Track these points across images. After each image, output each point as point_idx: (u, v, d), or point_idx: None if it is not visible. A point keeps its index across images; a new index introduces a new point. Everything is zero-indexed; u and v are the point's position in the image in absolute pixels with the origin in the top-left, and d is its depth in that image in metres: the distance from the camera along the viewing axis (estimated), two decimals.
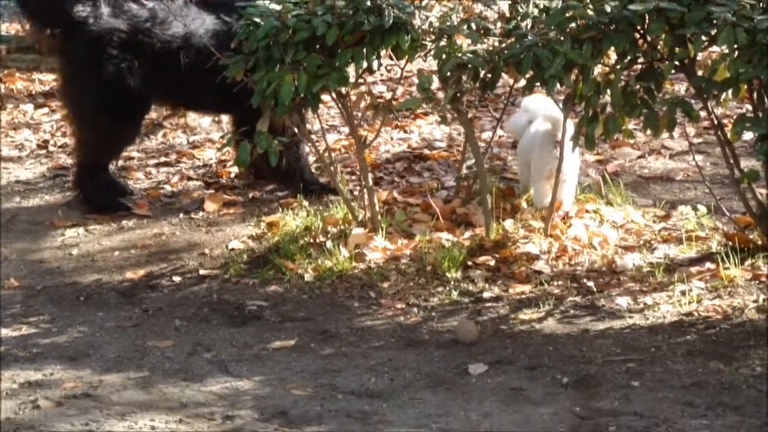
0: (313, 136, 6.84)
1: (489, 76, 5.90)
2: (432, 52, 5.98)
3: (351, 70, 6.12)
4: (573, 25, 5.64)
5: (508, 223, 6.27)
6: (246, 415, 4.85)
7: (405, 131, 7.91)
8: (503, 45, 5.89)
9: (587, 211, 6.41)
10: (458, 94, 6.00)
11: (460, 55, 5.85)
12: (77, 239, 6.63)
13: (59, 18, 6.66)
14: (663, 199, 6.66)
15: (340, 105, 6.34)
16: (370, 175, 6.45)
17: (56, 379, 5.17)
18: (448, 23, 5.94)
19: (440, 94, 6.29)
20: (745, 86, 5.57)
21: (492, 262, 6.02)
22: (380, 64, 6.21)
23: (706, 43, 5.55)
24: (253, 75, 6.09)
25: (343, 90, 6.21)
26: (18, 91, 9.03)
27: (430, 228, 6.31)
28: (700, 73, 5.71)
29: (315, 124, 6.96)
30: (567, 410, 4.84)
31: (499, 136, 7.34)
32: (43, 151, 7.91)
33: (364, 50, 5.98)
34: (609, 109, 5.71)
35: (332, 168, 6.54)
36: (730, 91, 5.54)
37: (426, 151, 7.54)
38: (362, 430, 4.74)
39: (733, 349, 5.26)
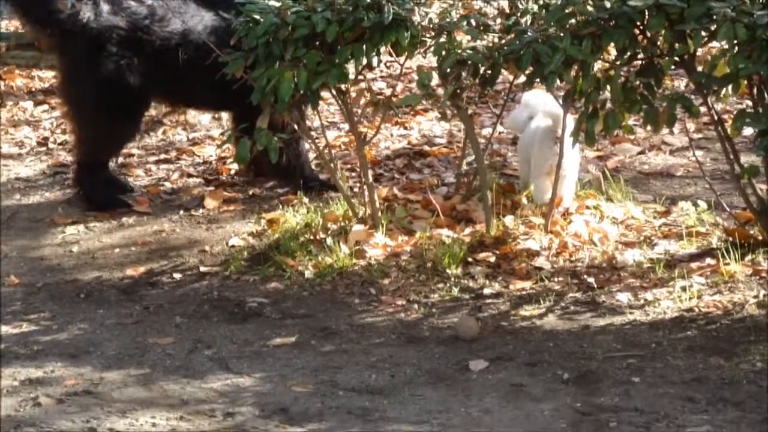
0: (313, 133, 6.84)
1: (489, 72, 5.90)
2: (432, 49, 5.97)
3: (351, 67, 6.12)
4: (573, 21, 5.64)
5: (509, 220, 6.27)
6: (247, 412, 4.85)
7: (405, 128, 7.90)
8: (503, 41, 5.88)
9: (587, 207, 6.41)
10: (458, 91, 6.00)
11: (459, 51, 5.85)
12: (77, 236, 6.62)
13: (44, 11, 6.61)
14: (663, 195, 6.66)
15: (339, 102, 6.34)
16: (370, 172, 6.44)
17: (57, 377, 5.17)
18: (448, 19, 5.94)
19: (440, 91, 6.29)
20: (745, 82, 5.56)
21: (492, 259, 6.02)
22: (380, 61, 6.21)
23: (706, 39, 5.55)
24: (252, 72, 6.08)
25: (343, 87, 6.21)
26: (18, 88, 9.01)
27: (431, 224, 6.30)
28: (699, 68, 5.70)
29: (315, 120, 6.96)
30: (568, 406, 4.84)
31: (499, 133, 7.33)
32: (43, 149, 7.90)
33: (364, 47, 5.97)
34: (609, 105, 5.71)
35: (332, 165, 6.54)
36: (730, 87, 5.53)
37: (426, 148, 7.54)
38: (363, 426, 4.74)
39: (733, 345, 5.26)
